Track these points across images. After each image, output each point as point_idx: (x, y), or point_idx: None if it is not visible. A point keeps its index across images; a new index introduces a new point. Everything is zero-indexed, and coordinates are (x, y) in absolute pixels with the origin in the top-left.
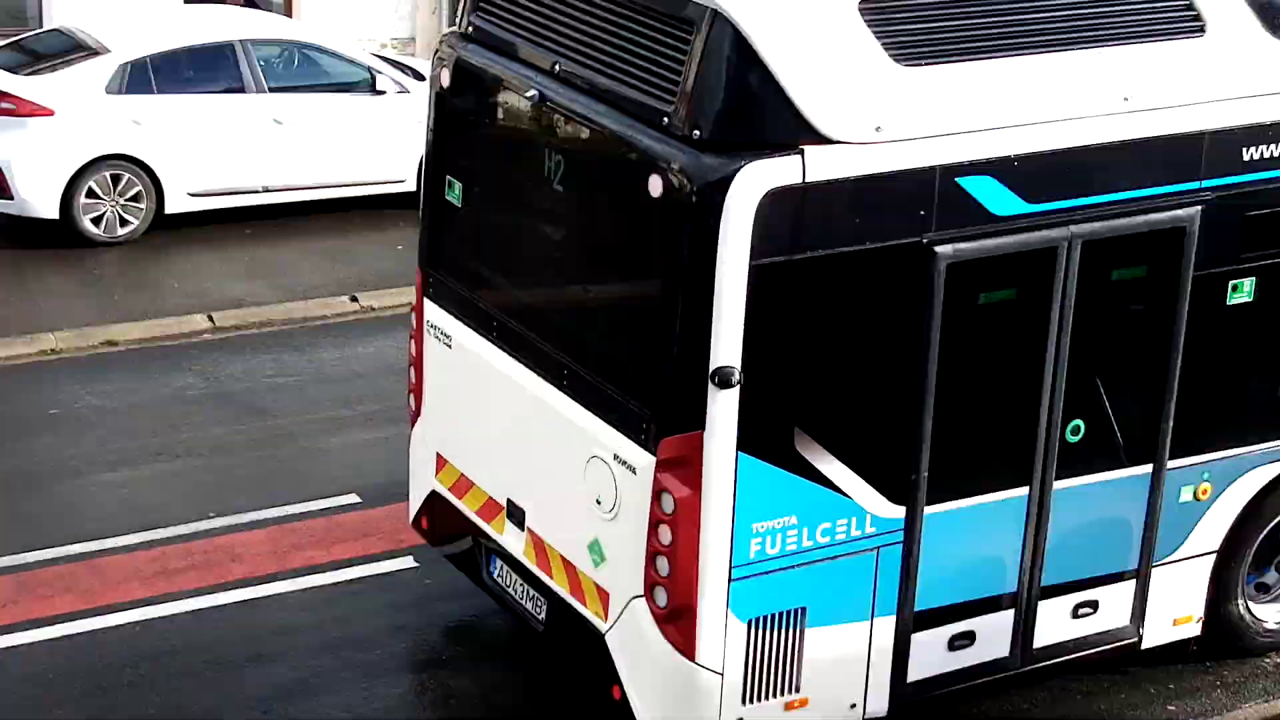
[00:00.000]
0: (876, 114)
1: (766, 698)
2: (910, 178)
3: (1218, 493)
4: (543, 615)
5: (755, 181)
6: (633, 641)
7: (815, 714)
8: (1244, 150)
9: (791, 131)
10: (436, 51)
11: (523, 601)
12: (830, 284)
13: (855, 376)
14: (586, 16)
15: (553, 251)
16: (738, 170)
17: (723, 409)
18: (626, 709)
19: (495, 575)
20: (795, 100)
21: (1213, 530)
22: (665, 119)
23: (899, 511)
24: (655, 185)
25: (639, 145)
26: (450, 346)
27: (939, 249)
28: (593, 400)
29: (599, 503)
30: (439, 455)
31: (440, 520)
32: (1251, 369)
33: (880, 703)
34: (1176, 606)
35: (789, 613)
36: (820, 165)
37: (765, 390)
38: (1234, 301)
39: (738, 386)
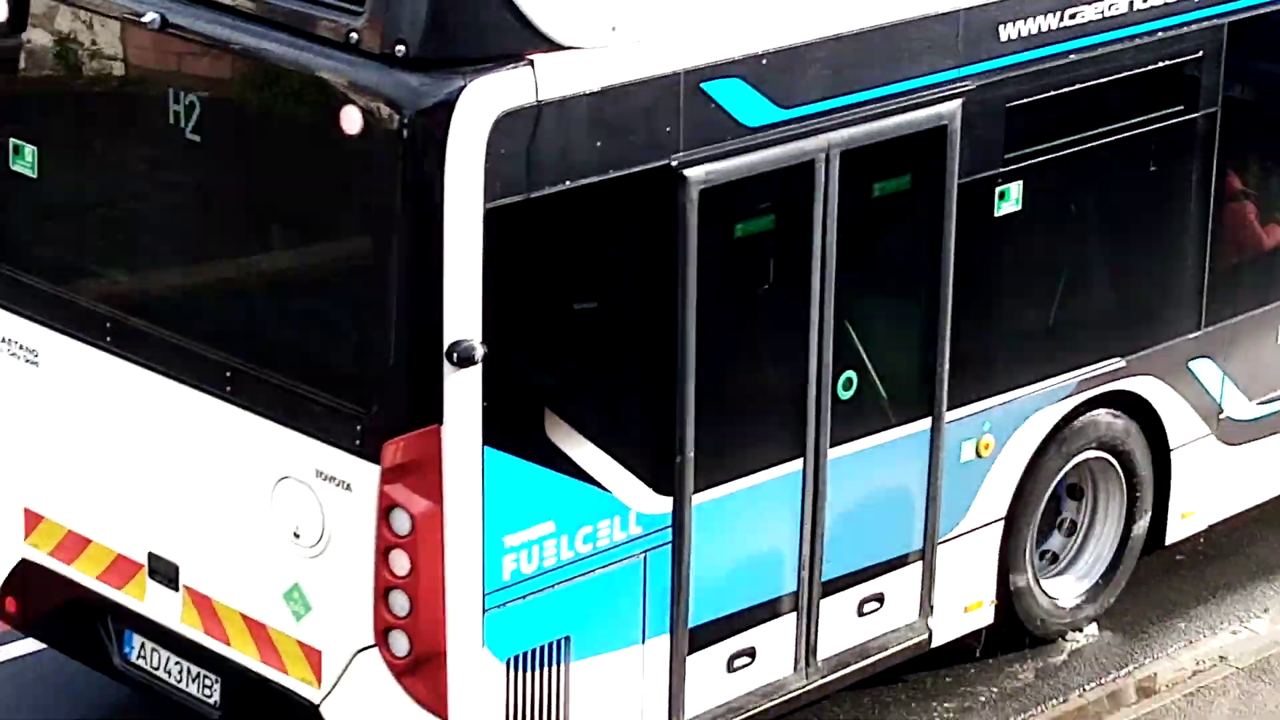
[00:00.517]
0: (610, 11)
1: None
2: (653, 86)
3: (1000, 446)
4: (215, 699)
5: (483, 103)
6: (360, 708)
7: None
8: (1000, 28)
9: (516, 38)
10: None
11: (182, 685)
12: (572, 227)
13: (606, 338)
14: None
15: (197, 220)
16: (460, 91)
17: (463, 394)
18: None
19: (133, 658)
20: (520, 2)
21: (998, 493)
22: (354, 35)
23: (665, 504)
24: (350, 119)
25: (319, 71)
26: (37, 364)
27: (688, 172)
28: (275, 405)
29: (297, 536)
30: (28, 512)
31: (36, 596)
32: (1025, 291)
33: None
34: (966, 591)
35: (552, 644)
36: (553, 79)
37: (509, 365)
38: (1002, 212)
39: (479, 364)
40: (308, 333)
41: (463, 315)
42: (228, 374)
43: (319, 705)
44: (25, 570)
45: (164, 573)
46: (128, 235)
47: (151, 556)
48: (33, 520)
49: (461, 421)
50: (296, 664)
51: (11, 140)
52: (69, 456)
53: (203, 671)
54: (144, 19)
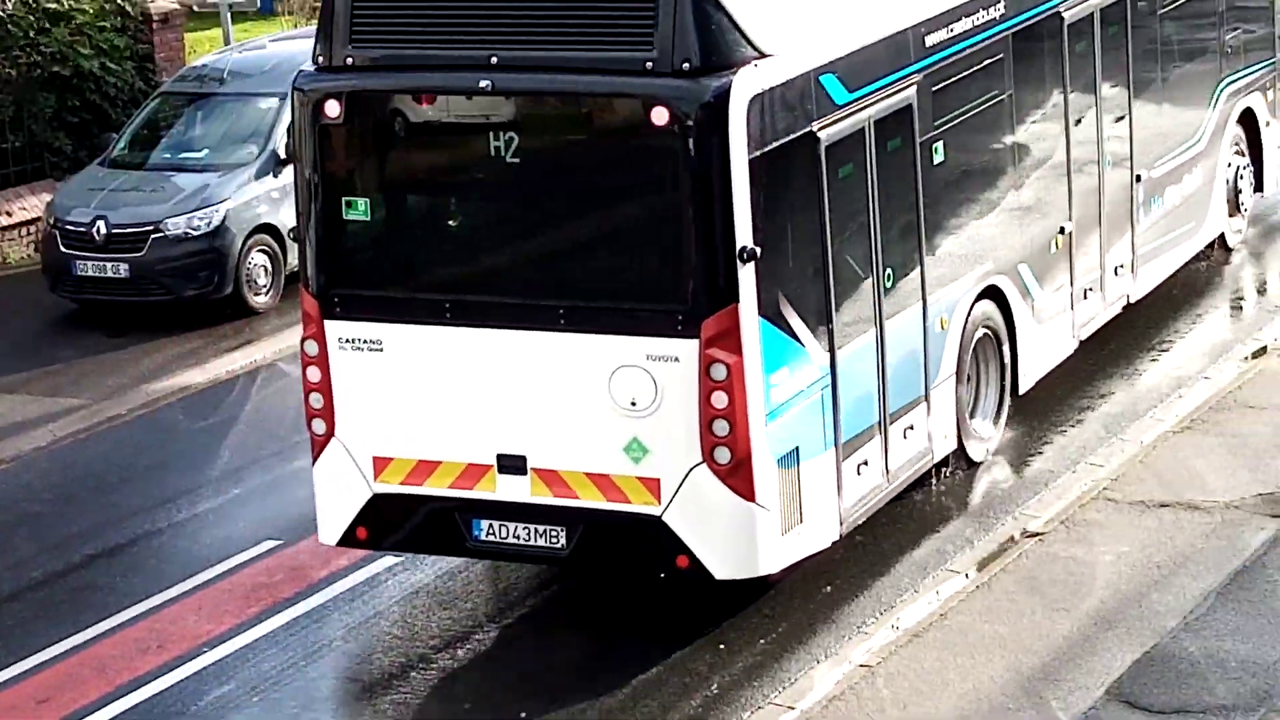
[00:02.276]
0: (782, 32)
1: (791, 529)
2: (800, 80)
3: (950, 323)
4: (561, 544)
5: (742, 92)
6: (694, 507)
7: (811, 541)
8: (925, 38)
9: (744, 52)
10: (297, 90)
11: (530, 543)
12: (779, 172)
13: (797, 246)
14: (531, 10)
15: (522, 216)
16: (729, 86)
17: (747, 282)
18: (694, 568)
19: (482, 538)
20: (746, 26)
21: (950, 355)
22: (649, 63)
23: (827, 357)
24: (660, 115)
25: (628, 90)
26: (380, 350)
27: (821, 134)
28: (604, 324)
29: (633, 404)
30: (376, 459)
31: (384, 522)
32: (950, 215)
33: (833, 529)
34: (944, 423)
35: (793, 450)
36: (766, 75)
37: (764, 263)
38: (936, 162)
39: (754, 260)
40: (629, 269)
41: (743, 229)
42: (560, 313)
43: (661, 515)
44: (376, 503)
45: (512, 465)
46: (462, 238)
47: (500, 456)
48: (381, 464)
49: (747, 301)
50: (638, 494)
51: (344, 198)
52: (412, 410)
53: (549, 528)
54: (481, 84)
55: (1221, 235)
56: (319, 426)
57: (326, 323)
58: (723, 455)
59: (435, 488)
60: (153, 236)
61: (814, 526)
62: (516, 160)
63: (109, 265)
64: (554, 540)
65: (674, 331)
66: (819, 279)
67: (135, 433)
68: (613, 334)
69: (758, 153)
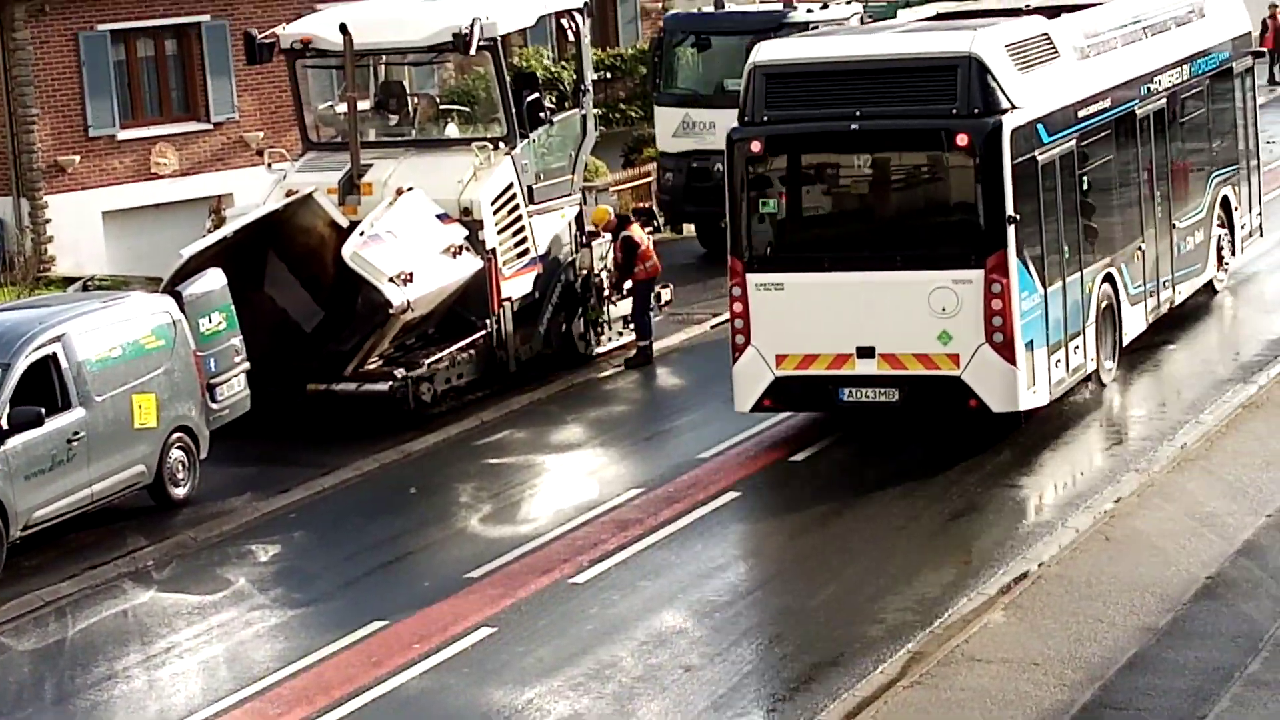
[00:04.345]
0: (1022, 98)
1: (1029, 386)
2: (1031, 124)
3: (1093, 288)
4: (896, 398)
5: (1008, 126)
6: (979, 369)
7: (1040, 397)
8: (1078, 112)
9: (1004, 104)
10: (729, 136)
11: (875, 398)
12: (1022, 175)
13: (1029, 220)
14: (879, 83)
15: (873, 201)
16: (1001, 122)
17: (1011, 237)
18: (980, 408)
19: (845, 398)
20: (1007, 89)
21: (1093, 308)
22: (954, 109)
23: (1042, 290)
24: (962, 139)
25: (942, 125)
26: (782, 289)
27: (1039, 156)
28: (924, 263)
29: (944, 310)
30: (778, 355)
31: (781, 395)
32: (1090, 221)
33: (1047, 395)
34: (1091, 352)
35: (1030, 341)
36: (1016, 118)
37: (1017, 225)
38: (1084, 189)
39: (1014, 224)
40: (943, 228)
41: (1010, 203)
42: (898, 259)
43: (961, 374)
44: (777, 383)
45: (865, 353)
46: (836, 221)
47: (858, 348)
48: (780, 358)
49: (1011, 248)
50: (945, 364)
51: (760, 200)
52: (800, 325)
53: (887, 389)
54: (852, 126)
55: (1211, 281)
56: (739, 340)
57: (747, 275)
58: (997, 339)
59: (816, 370)
60: None
61: (1040, 389)
62: (869, 172)
63: None
64: (891, 395)
65: (969, 265)
66: (1038, 241)
67: None
68: (931, 270)
69: (1013, 162)
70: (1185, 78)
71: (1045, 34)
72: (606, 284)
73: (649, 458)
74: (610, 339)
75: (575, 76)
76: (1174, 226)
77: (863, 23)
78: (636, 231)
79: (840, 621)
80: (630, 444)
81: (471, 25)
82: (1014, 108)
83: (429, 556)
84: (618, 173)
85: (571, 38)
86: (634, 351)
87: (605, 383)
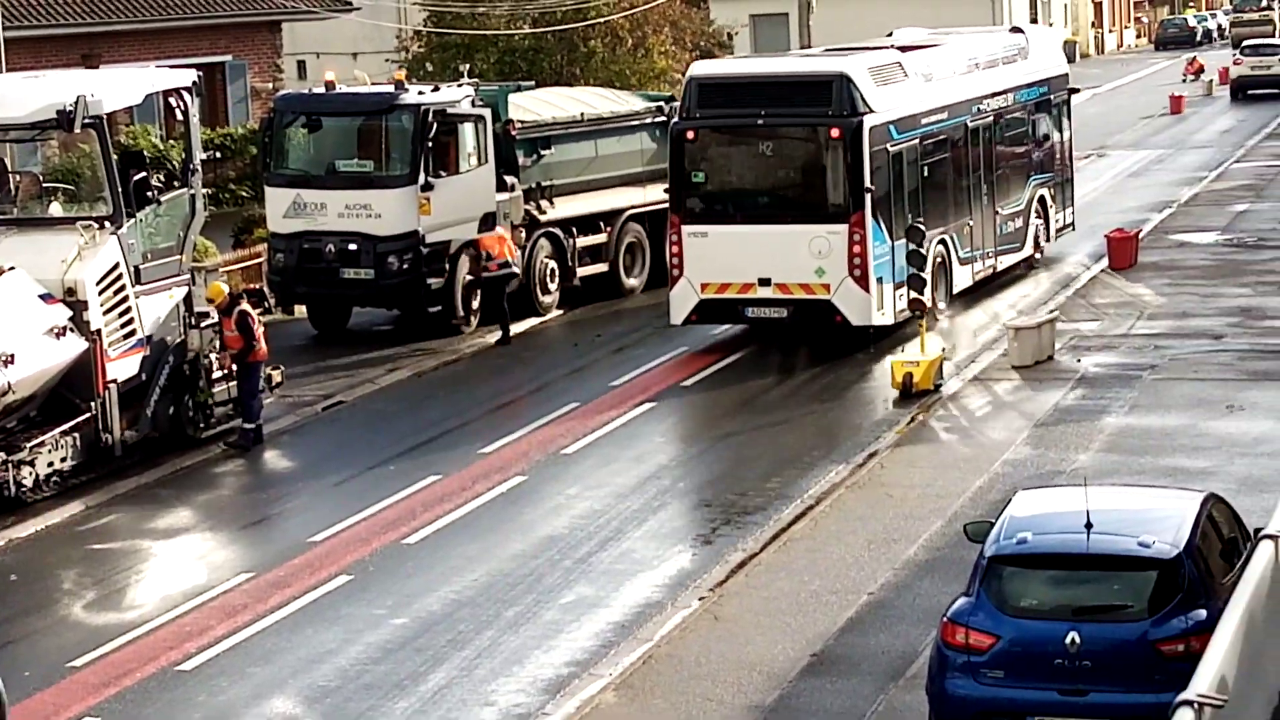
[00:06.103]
0: (878, 105)
1: (878, 309)
2: (884, 125)
3: (929, 249)
4: (785, 315)
5: (868, 124)
6: (844, 295)
7: (886, 319)
8: (921, 119)
9: (863, 109)
10: (671, 127)
11: (769, 315)
12: (878, 161)
13: (882, 192)
14: (778, 92)
15: (771, 175)
16: (862, 120)
17: (868, 202)
18: (845, 324)
19: (750, 314)
20: (867, 99)
21: (929, 265)
22: (830, 111)
23: (890, 244)
24: (835, 132)
25: (821, 122)
26: (706, 236)
27: (891, 149)
28: (807, 219)
29: (820, 253)
30: (703, 284)
31: (705, 312)
32: (928, 201)
33: (891, 318)
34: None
35: (879, 278)
36: (873, 119)
37: (873, 195)
38: (925, 175)
39: (870, 194)
40: (820, 196)
41: (868, 179)
42: (789, 216)
43: (831, 298)
44: (702, 304)
45: (765, 282)
46: (745, 188)
47: (759, 279)
48: (704, 285)
49: (867, 211)
50: (820, 290)
51: (691, 172)
52: (718, 263)
53: (779, 308)
54: (759, 121)
55: (1029, 258)
56: (675, 273)
57: (682, 226)
58: (856, 273)
59: (729, 294)
60: None
61: (887, 312)
62: (770, 153)
63: None
64: (780, 312)
65: (839, 221)
66: (889, 209)
67: None
68: (812, 224)
69: (870, 150)
70: (1009, 103)
71: (898, 62)
72: (216, 365)
73: (259, 541)
74: (219, 421)
75: (184, 155)
76: (997, 213)
77: (474, 105)
78: (248, 308)
79: (454, 704)
80: (240, 528)
81: (76, 102)
82: (872, 111)
83: (30, 646)
84: (228, 253)
85: (180, 116)
86: (235, 435)
87: (214, 465)
